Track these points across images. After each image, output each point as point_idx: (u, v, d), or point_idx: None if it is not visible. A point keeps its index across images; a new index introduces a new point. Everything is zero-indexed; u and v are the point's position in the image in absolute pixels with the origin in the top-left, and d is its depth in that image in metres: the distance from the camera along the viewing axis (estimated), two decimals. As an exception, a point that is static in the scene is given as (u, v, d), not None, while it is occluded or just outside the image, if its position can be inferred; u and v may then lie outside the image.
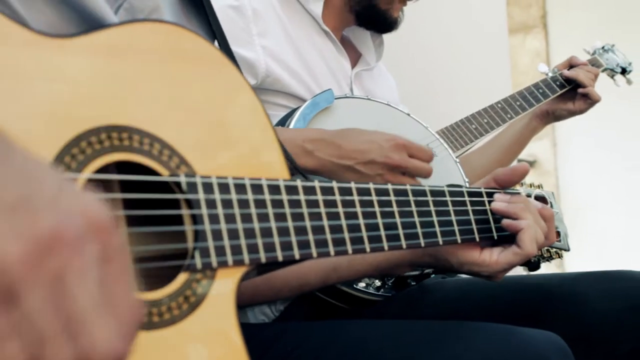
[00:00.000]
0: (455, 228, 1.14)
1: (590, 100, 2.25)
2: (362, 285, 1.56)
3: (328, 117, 1.70)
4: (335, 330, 1.19)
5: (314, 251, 0.94)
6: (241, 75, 0.98)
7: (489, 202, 1.22)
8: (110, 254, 0.55)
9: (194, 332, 0.81)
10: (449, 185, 1.18)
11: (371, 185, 1.05)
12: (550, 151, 5.88)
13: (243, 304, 1.22)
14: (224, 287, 0.86)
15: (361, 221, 1.01)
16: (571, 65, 2.30)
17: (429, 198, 1.12)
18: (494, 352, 1.06)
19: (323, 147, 1.57)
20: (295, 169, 1.26)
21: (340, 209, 1.00)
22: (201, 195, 0.86)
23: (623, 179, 5.29)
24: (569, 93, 2.24)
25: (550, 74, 2.28)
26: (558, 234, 1.45)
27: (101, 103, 0.83)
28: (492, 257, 1.19)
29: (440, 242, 1.11)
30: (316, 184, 0.98)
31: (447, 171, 1.82)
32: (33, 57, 0.77)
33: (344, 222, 0.99)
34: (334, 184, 1.01)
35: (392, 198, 1.07)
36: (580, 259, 5.52)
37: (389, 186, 1.08)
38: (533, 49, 6.02)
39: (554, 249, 1.42)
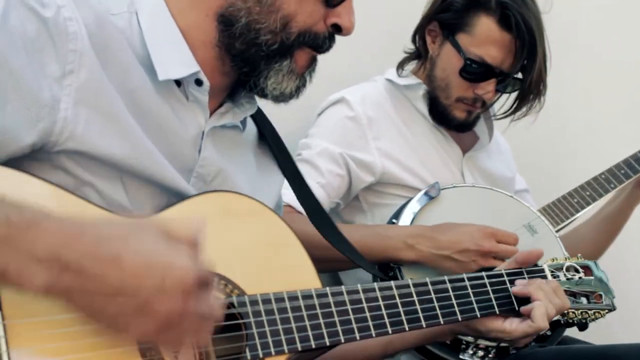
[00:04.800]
0: (475, 306, 1.46)
1: None
2: (467, 355, 1.82)
3: (435, 207, 2.00)
4: None
5: (342, 338, 1.27)
6: (279, 218, 1.36)
7: (510, 281, 1.53)
8: (203, 289, 1.01)
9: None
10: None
11: (392, 283, 1.38)
12: None
13: None
14: (271, 370, 1.21)
15: (383, 312, 1.34)
16: None
17: (448, 285, 1.44)
18: None
19: (423, 241, 1.89)
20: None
21: (365, 304, 1.32)
22: (249, 309, 1.22)
23: None
24: None
25: None
26: (600, 296, 1.67)
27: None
28: (512, 325, 1.50)
29: (460, 319, 1.42)
30: (343, 289, 1.32)
31: (549, 246, 2.01)
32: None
33: (368, 314, 1.32)
34: (359, 287, 1.34)
35: (412, 290, 1.39)
36: None
37: (409, 281, 1.40)
38: None
39: (593, 310, 1.64)
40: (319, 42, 1.35)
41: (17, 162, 1.15)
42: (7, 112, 1.10)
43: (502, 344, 1.79)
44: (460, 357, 1.80)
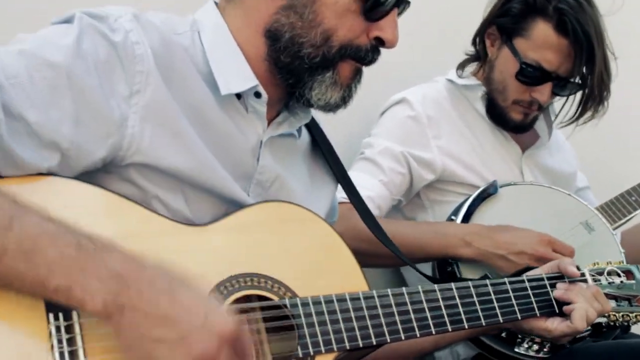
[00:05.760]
0: (516, 308, 1.54)
1: None
2: (522, 349, 1.89)
3: (493, 205, 2.09)
4: None
5: (387, 338, 1.37)
6: (329, 226, 1.46)
7: (551, 285, 1.60)
8: (238, 350, 1.11)
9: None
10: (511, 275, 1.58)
11: (436, 287, 1.46)
12: None
13: None
14: (321, 367, 1.32)
15: (427, 314, 1.43)
16: None
17: (490, 288, 1.51)
18: None
19: (480, 239, 1.98)
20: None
21: (410, 307, 1.42)
22: (300, 310, 1.33)
23: None
24: None
25: None
26: None
27: (233, 262, 1.34)
28: (553, 325, 1.59)
29: (501, 321, 1.50)
30: (389, 291, 1.42)
31: (605, 244, 2.10)
32: (184, 240, 1.31)
33: (412, 315, 1.41)
34: (404, 290, 1.43)
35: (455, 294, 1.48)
36: None
37: (452, 285, 1.48)
38: None
39: (635, 313, 1.68)
40: (361, 54, 1.42)
41: (90, 175, 1.28)
42: (81, 128, 1.24)
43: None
44: (516, 350, 1.86)
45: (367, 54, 1.43)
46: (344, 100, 1.46)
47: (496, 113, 2.24)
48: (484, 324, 1.49)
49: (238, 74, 1.42)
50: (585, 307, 1.56)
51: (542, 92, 2.12)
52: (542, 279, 1.61)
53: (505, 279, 1.56)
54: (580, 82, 2.12)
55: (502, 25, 2.17)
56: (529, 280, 1.58)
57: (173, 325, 1.07)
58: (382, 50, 1.46)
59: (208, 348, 1.07)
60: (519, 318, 1.55)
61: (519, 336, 1.86)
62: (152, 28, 1.34)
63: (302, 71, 1.41)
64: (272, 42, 1.41)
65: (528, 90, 2.14)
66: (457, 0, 2.61)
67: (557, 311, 1.59)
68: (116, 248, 1.10)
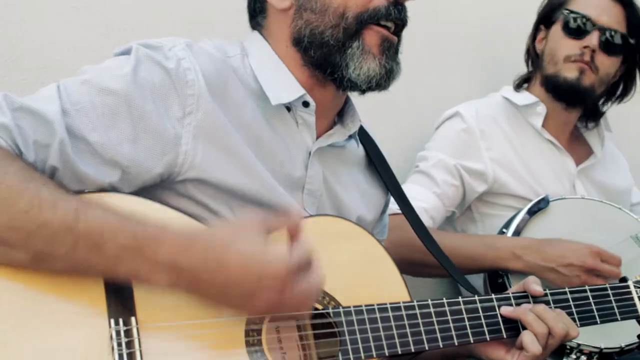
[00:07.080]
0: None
1: None
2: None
3: (544, 219, 2.14)
4: None
5: (426, 346, 1.44)
6: (374, 239, 1.54)
7: (518, 303, 1.56)
8: (302, 270, 1.24)
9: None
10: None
11: (476, 298, 1.53)
12: None
13: None
14: (360, 372, 1.40)
15: (466, 323, 1.49)
16: None
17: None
18: None
19: (530, 253, 2.03)
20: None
21: (449, 317, 1.49)
22: (343, 318, 1.42)
23: None
24: None
25: None
26: None
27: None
28: (513, 357, 1.52)
29: (456, 343, 1.49)
30: (429, 301, 1.49)
31: None
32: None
33: (451, 325, 1.48)
34: (445, 300, 1.50)
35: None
36: None
37: (493, 296, 1.54)
38: None
39: None
40: (381, 15, 1.50)
41: (149, 191, 1.40)
42: (139, 148, 1.35)
43: (605, 350, 1.89)
44: (565, 360, 1.91)
45: (387, 11, 1.50)
46: (385, 71, 1.50)
47: (552, 84, 2.28)
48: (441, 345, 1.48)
49: (286, 86, 1.53)
50: (533, 331, 1.49)
51: (591, 39, 2.19)
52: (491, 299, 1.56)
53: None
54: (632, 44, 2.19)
55: (548, 9, 2.30)
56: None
57: (234, 294, 1.22)
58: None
59: (273, 296, 1.21)
60: (471, 341, 1.51)
61: (567, 347, 1.91)
62: (204, 54, 1.46)
63: (332, 54, 1.51)
64: (299, 45, 1.53)
65: (577, 44, 2.21)
66: (511, 18, 2.65)
67: (505, 336, 1.53)
68: (167, 229, 1.22)
